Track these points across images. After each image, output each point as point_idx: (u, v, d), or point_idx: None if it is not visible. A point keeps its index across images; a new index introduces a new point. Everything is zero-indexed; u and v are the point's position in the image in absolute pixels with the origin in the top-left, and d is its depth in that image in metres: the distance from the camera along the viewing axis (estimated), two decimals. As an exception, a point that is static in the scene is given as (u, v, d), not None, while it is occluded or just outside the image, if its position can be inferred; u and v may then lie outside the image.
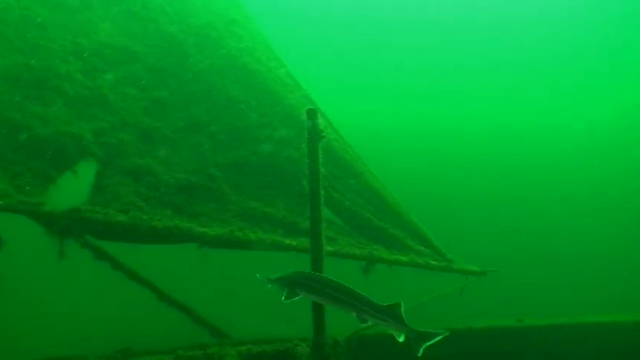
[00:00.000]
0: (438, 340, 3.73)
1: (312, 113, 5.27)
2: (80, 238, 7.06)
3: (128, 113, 8.11)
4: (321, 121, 5.32)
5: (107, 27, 8.41)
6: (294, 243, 6.93)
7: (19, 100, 7.20)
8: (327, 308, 4.91)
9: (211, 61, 9.18)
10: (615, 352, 7.54)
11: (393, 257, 7.24)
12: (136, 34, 8.81)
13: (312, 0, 31.01)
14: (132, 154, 7.68)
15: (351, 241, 7.50)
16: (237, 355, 4.97)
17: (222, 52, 9.27)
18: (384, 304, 3.78)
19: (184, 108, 8.72)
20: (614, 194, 24.21)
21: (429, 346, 3.74)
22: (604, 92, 30.64)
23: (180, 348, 6.64)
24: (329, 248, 6.99)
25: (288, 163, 8.48)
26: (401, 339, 3.73)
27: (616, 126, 27.62)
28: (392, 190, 8.36)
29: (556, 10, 30.68)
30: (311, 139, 5.27)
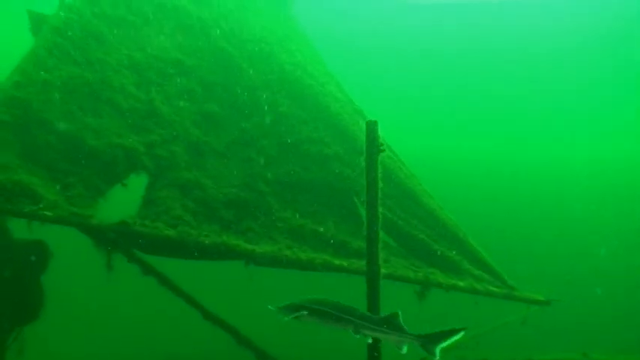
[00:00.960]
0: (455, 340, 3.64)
1: (372, 125, 4.95)
2: (128, 251, 6.96)
3: (179, 126, 8.05)
4: (380, 134, 4.98)
5: (162, 40, 8.43)
6: (344, 264, 6.58)
7: (73, 111, 7.23)
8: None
9: (263, 76, 9.07)
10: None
11: (450, 282, 6.76)
12: (190, 48, 8.80)
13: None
14: (182, 168, 7.58)
15: (404, 263, 7.08)
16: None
17: (274, 67, 9.15)
18: (381, 316, 3.75)
19: (235, 122, 8.61)
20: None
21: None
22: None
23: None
24: (382, 270, 6.60)
25: (339, 180, 8.18)
26: (404, 351, 3.66)
27: None
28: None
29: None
30: (370, 152, 4.94)
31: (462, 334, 3.71)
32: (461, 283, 6.83)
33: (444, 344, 3.67)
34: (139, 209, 6.92)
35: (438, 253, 7.19)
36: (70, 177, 6.75)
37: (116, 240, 6.11)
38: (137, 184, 7.39)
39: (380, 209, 4.92)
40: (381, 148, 4.96)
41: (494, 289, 6.98)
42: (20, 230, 6.56)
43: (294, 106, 8.99)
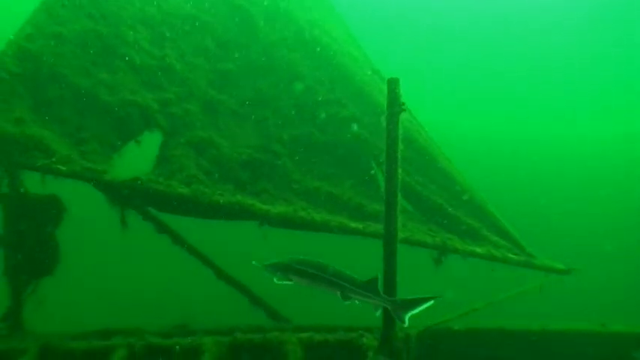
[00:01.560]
0: (425, 308, 3.68)
1: (394, 83, 4.73)
2: (141, 209, 6.90)
3: (194, 84, 7.87)
4: (402, 92, 4.76)
5: (176, -5, 8.17)
6: (360, 227, 6.46)
7: (87, 66, 7.08)
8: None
9: (280, 34, 8.79)
10: None
11: (467, 248, 6.62)
12: (205, 5, 8.52)
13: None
14: (196, 127, 7.44)
15: (421, 227, 6.95)
16: (298, 342, 4.59)
17: (291, 25, 8.86)
18: (362, 280, 3.76)
19: (250, 81, 8.40)
20: None
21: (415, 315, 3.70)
22: None
23: (238, 330, 6.37)
24: (399, 234, 6.48)
25: (357, 142, 8.00)
26: (377, 313, 3.76)
27: None
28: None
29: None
30: (391, 111, 4.73)
31: (431, 302, 3.71)
32: (478, 250, 6.70)
33: (414, 311, 3.69)
34: (153, 167, 6.83)
35: (456, 218, 7.03)
36: (83, 132, 6.65)
37: (130, 197, 6.03)
38: (151, 141, 7.29)
39: (400, 172, 4.75)
40: (403, 107, 4.74)
41: (513, 256, 6.84)
42: (34, 185, 6.53)
43: (311, 65, 8.74)
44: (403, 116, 8.56)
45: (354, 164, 7.88)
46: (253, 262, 4.06)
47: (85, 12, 7.40)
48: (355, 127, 8.17)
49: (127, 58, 7.49)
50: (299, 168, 7.60)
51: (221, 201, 6.11)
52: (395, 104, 4.71)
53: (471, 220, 7.10)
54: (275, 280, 3.93)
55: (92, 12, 7.53)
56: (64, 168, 5.76)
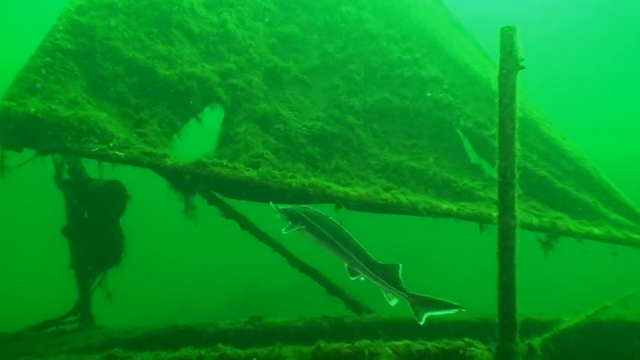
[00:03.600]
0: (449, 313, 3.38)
1: (509, 33, 3.72)
2: (206, 192, 6.34)
3: (255, 52, 7.13)
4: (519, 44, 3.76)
5: (231, -48, 7.36)
6: (453, 208, 5.57)
7: (142, 37, 6.48)
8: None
9: (346, -12, 7.84)
10: None
11: (582, 229, 5.59)
12: (262, -39, 7.67)
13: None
14: (260, 99, 6.72)
15: (522, 205, 5.95)
16: (393, 352, 3.85)
17: (358, -22, 7.87)
18: (381, 263, 3.43)
19: (316, 45, 7.56)
20: None
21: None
22: None
23: (318, 322, 5.77)
24: (494, 214, 5.55)
25: (439, 107, 7.04)
26: (393, 303, 3.46)
27: None
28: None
29: None
30: (506, 68, 3.75)
31: (455, 311, 3.39)
32: (596, 230, 5.65)
33: (435, 313, 3.39)
34: (216, 147, 6.22)
35: (565, 193, 5.98)
36: (141, 112, 6.10)
37: (193, 182, 5.44)
38: (212, 118, 6.67)
39: (517, 147, 3.80)
40: (520, 64, 3.75)
41: (639, 237, 5.75)
42: (96, 171, 6.08)
43: (382, 22, 7.76)
44: (491, 75, 7.49)
45: (437, 133, 6.95)
46: (270, 203, 3.77)
47: (137, -22, 6.75)
48: (437, 90, 7.18)
49: (184, 26, 6.83)
50: (375, 140, 6.76)
51: (293, 184, 5.39)
52: (510, 60, 3.72)
53: (584, 194, 6.03)
54: (283, 230, 3.62)
55: (144, -23, 6.88)
56: (122, 154, 5.22)
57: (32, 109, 5.11)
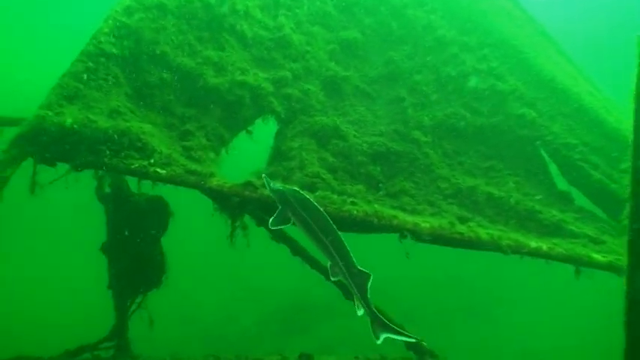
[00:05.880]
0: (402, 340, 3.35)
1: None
2: (255, 214, 5.70)
3: (313, 59, 6.48)
4: None
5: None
6: (544, 247, 4.68)
7: (192, 42, 5.96)
8: None
9: (414, -9, 7.11)
10: None
11: None
12: (323, -39, 7.03)
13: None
14: (317, 110, 6.06)
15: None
16: None
17: (426, -21, 7.12)
18: (358, 268, 3.29)
19: (380, 52, 6.85)
20: None
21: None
22: None
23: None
24: (601, 259, 4.63)
25: (520, 125, 6.19)
26: (359, 313, 3.36)
27: None
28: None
29: None
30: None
31: (411, 339, 3.42)
32: None
33: (391, 335, 3.29)
34: (267, 163, 5.60)
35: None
36: (187, 123, 5.56)
37: (241, 205, 4.82)
38: (265, 131, 6.05)
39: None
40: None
41: None
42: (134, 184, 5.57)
43: (454, 28, 6.97)
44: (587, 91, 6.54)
45: (518, 154, 6.08)
46: (263, 175, 3.73)
47: (189, -22, 6.24)
48: (517, 104, 6.31)
49: (237, 30, 6.28)
50: (445, 161, 5.95)
51: (355, 212, 4.67)
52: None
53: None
54: (270, 224, 3.44)
55: (197, -22, 6.37)
56: (163, 172, 4.66)
57: (69, 120, 4.63)
